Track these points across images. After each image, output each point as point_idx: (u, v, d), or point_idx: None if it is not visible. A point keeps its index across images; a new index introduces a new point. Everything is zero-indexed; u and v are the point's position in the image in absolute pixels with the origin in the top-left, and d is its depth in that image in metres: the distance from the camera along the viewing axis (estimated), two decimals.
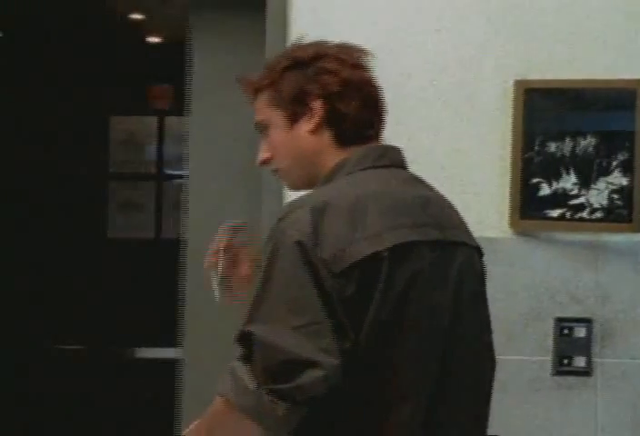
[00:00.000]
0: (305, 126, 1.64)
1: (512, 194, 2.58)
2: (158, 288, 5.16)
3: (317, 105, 1.62)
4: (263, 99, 1.69)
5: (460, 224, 1.68)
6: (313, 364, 1.38)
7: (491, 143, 2.61)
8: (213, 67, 2.69)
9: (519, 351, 2.57)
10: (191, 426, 1.60)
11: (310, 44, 1.70)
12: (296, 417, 1.40)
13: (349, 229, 1.47)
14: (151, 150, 5.41)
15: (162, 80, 5.33)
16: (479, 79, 2.61)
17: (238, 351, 1.47)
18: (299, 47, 1.70)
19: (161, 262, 5.24)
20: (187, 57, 2.82)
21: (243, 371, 1.42)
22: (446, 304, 1.55)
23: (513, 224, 2.59)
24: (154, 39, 5.21)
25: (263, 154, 1.72)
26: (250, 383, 1.41)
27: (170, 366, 4.44)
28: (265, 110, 1.68)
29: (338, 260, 1.44)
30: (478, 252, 1.69)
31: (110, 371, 4.68)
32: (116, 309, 5.05)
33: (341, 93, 1.62)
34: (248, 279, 1.85)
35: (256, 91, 1.70)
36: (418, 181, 1.65)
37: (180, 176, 5.43)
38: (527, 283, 2.59)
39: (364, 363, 1.44)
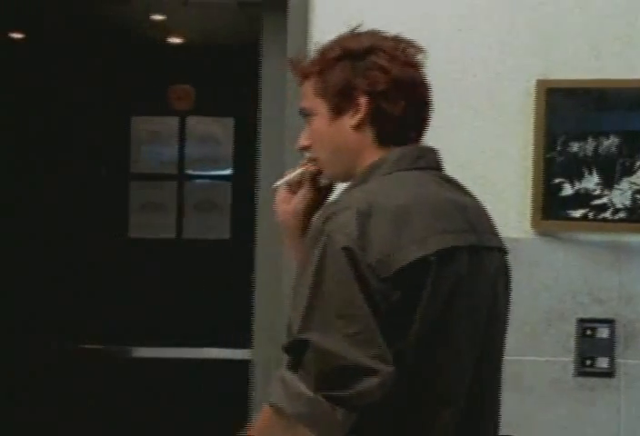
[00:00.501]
0: (349, 121, 1.61)
1: (534, 195, 2.57)
2: (179, 288, 5.18)
3: (363, 102, 1.59)
4: (310, 86, 1.66)
5: (492, 228, 1.67)
6: (370, 371, 1.39)
7: (513, 144, 2.60)
8: (283, 68, 2.66)
9: (541, 352, 2.56)
10: None
11: (365, 35, 1.65)
12: (352, 421, 1.40)
13: (395, 233, 1.46)
14: (172, 150, 5.42)
15: (183, 81, 5.34)
16: (501, 78, 2.60)
17: (286, 359, 1.46)
18: (354, 37, 1.66)
19: (182, 262, 5.26)
20: (260, 58, 2.80)
21: (294, 378, 1.42)
22: (484, 308, 1.56)
23: (535, 225, 2.58)
24: (175, 40, 5.21)
25: (303, 141, 1.70)
26: (305, 390, 1.41)
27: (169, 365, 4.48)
28: (311, 97, 1.65)
29: (385, 265, 1.43)
30: (506, 254, 1.69)
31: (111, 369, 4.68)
32: (138, 308, 5.07)
33: (388, 92, 1.58)
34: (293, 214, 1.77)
35: (305, 76, 1.67)
36: (454, 183, 1.64)
37: (201, 176, 5.45)
38: (549, 284, 2.58)
39: (409, 367, 1.44)
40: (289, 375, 1.43)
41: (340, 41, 1.66)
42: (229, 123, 5.33)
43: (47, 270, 5.07)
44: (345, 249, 1.43)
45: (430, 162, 1.64)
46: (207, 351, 4.23)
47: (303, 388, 1.41)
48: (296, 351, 1.44)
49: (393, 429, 1.47)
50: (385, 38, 1.65)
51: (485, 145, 2.60)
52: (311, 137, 1.68)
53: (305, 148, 1.70)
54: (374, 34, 1.66)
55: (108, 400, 4.71)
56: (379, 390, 1.39)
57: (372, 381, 1.39)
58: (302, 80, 1.69)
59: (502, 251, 1.66)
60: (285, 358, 1.47)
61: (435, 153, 1.66)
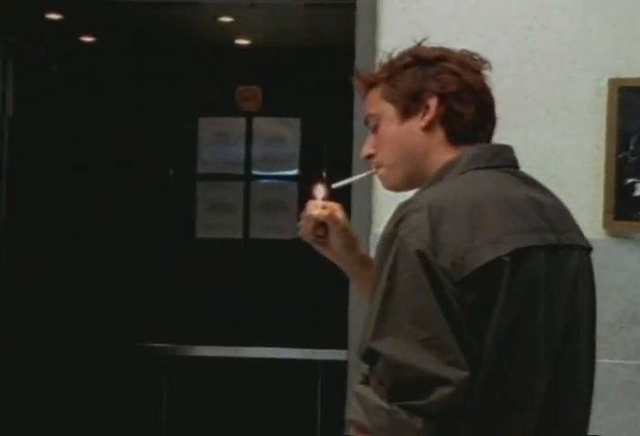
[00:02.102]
0: (418, 123, 1.61)
1: (606, 195, 2.54)
2: (246, 288, 5.22)
3: (433, 103, 1.60)
4: (376, 93, 1.66)
5: (573, 226, 1.65)
6: (443, 381, 1.38)
7: (584, 143, 2.57)
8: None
9: (613, 355, 2.53)
10: None
11: (434, 47, 1.68)
12: (433, 428, 1.39)
13: (468, 235, 1.44)
14: (239, 151, 5.46)
15: (250, 82, 5.38)
16: (572, 77, 2.58)
17: (361, 373, 1.46)
18: (423, 48, 1.68)
19: (249, 263, 5.30)
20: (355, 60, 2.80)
21: (369, 392, 1.42)
22: (562, 309, 1.53)
23: (607, 226, 2.55)
24: (242, 41, 5.26)
25: (367, 149, 1.70)
26: (381, 402, 1.40)
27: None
28: (378, 103, 1.66)
29: (458, 268, 1.41)
30: (589, 252, 1.67)
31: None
32: (204, 308, 5.11)
33: (459, 94, 1.59)
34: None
35: (371, 85, 1.68)
36: (531, 181, 1.62)
37: (267, 177, 5.48)
38: (621, 286, 2.54)
39: (484, 371, 1.43)
40: (364, 389, 1.43)
41: (410, 51, 1.67)
42: (296, 123, 5.35)
43: (116, 270, 5.14)
44: (418, 253, 1.42)
45: (506, 160, 1.62)
46: (279, 352, 4.25)
47: (378, 400, 1.40)
48: (369, 361, 1.44)
49: (466, 433, 1.45)
50: (454, 50, 1.67)
51: (556, 145, 2.57)
52: (377, 144, 1.68)
53: (370, 156, 1.71)
54: (442, 47, 1.68)
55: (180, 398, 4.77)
56: (454, 398, 1.38)
57: (446, 390, 1.38)
58: (367, 89, 1.69)
59: (585, 248, 1.64)
60: (362, 368, 1.46)
61: (510, 150, 1.65)
